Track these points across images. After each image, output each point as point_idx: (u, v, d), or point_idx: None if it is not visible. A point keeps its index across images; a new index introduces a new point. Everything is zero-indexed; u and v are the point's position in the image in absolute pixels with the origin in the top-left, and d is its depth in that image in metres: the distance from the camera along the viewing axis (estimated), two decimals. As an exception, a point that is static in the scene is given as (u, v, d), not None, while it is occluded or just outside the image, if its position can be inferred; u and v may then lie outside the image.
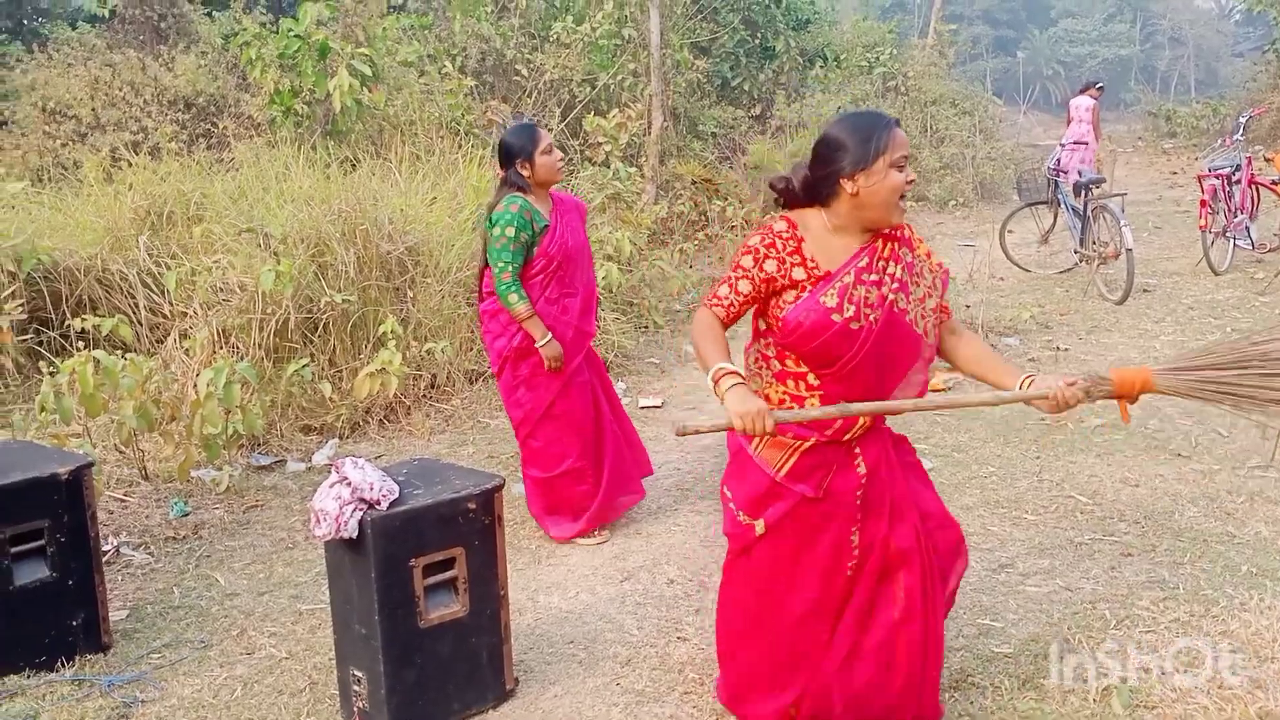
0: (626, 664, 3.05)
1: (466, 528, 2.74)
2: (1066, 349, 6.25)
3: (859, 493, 2.38)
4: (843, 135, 2.30)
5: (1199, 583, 3.30)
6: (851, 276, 2.29)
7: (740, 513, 2.44)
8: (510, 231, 3.68)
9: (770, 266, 2.30)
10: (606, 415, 4.04)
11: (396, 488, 2.68)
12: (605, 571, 3.69)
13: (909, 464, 2.54)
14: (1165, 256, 8.67)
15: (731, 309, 2.33)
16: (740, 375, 2.23)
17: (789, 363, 2.35)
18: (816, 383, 2.32)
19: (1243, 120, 8.76)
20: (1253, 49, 51.95)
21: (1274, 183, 7.92)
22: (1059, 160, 8.56)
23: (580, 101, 9.92)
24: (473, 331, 5.71)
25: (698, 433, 2.27)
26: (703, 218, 9.37)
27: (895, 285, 2.32)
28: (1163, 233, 10.00)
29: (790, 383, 2.36)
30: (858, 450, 2.39)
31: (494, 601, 2.82)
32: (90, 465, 3.17)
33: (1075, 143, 9.88)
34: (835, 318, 2.25)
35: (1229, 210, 7.92)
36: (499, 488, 2.82)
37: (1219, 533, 3.68)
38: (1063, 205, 8.31)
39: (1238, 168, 7.96)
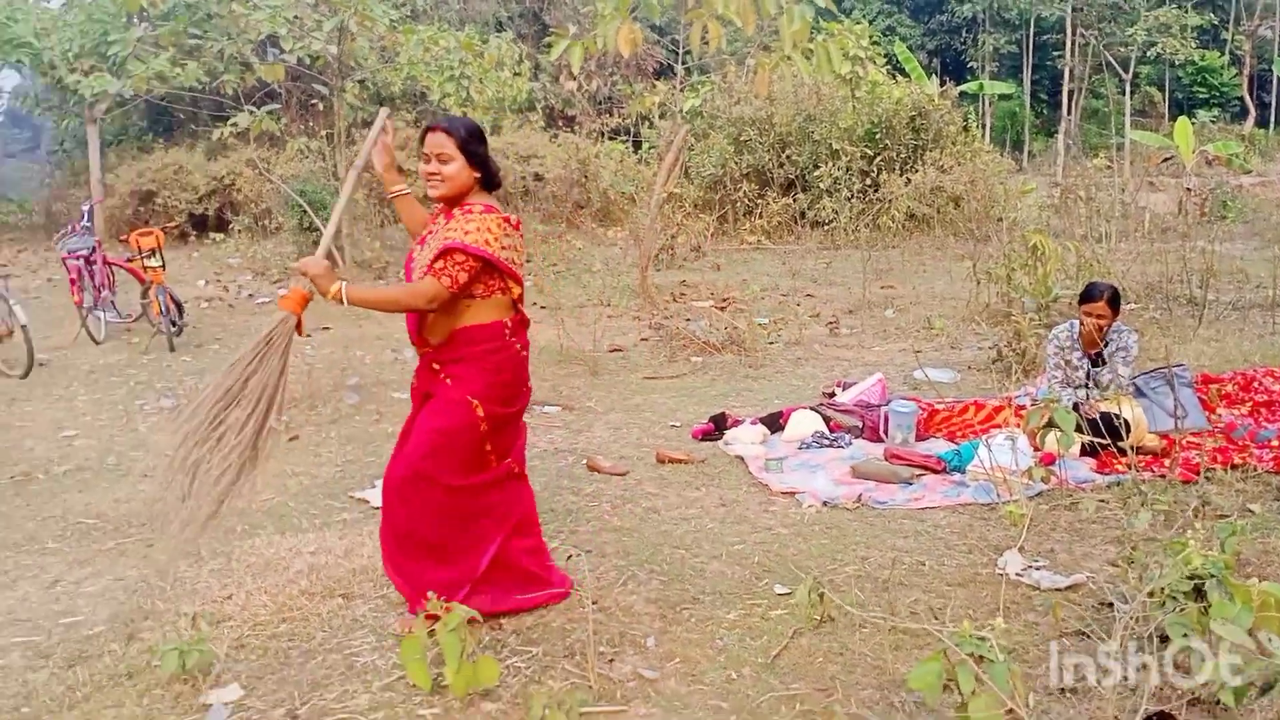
0: None
1: None
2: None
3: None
4: None
5: (215, 543, 4.28)
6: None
7: None
8: None
9: None
10: None
11: None
12: None
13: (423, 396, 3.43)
14: (41, 335, 9.22)
15: None
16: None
17: None
18: None
19: (87, 209, 9.82)
20: (24, 150, 53.71)
21: (128, 260, 9.19)
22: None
23: None
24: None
25: None
26: None
27: (419, 239, 3.35)
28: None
29: None
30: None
31: None
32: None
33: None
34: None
35: (95, 287, 8.93)
36: None
37: (209, 513, 4.71)
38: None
39: (93, 249, 9.01)
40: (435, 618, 2.98)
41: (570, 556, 4.05)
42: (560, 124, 23.61)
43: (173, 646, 3.12)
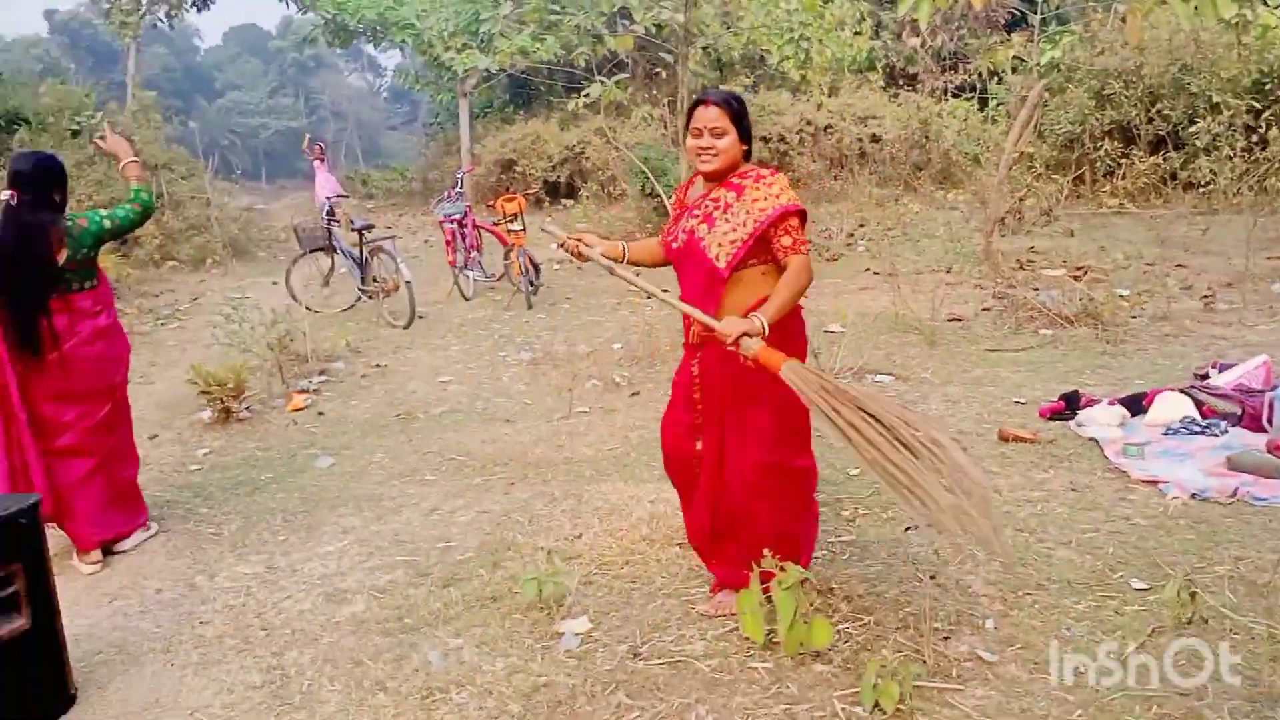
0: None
1: (21, 542, 2.79)
2: (386, 364, 7.39)
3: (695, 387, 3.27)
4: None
5: (567, 486, 4.63)
6: (691, 211, 3.22)
7: None
8: None
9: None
10: None
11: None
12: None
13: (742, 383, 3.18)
14: (420, 291, 10.30)
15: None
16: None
17: None
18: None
19: (459, 176, 10.87)
20: (403, 123, 60.01)
21: (494, 224, 10.04)
22: (330, 210, 9.71)
23: None
24: None
25: None
26: None
27: (700, 218, 3.18)
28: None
29: None
30: (697, 355, 3.26)
31: (51, 613, 2.89)
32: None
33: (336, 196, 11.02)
34: (670, 240, 3.28)
35: (466, 249, 9.86)
36: (38, 502, 2.91)
37: (560, 458, 5.11)
38: (339, 250, 9.47)
39: (465, 214, 9.93)
40: (770, 575, 3.04)
41: (907, 529, 3.97)
42: (900, 82, 22.83)
43: (532, 576, 3.42)
